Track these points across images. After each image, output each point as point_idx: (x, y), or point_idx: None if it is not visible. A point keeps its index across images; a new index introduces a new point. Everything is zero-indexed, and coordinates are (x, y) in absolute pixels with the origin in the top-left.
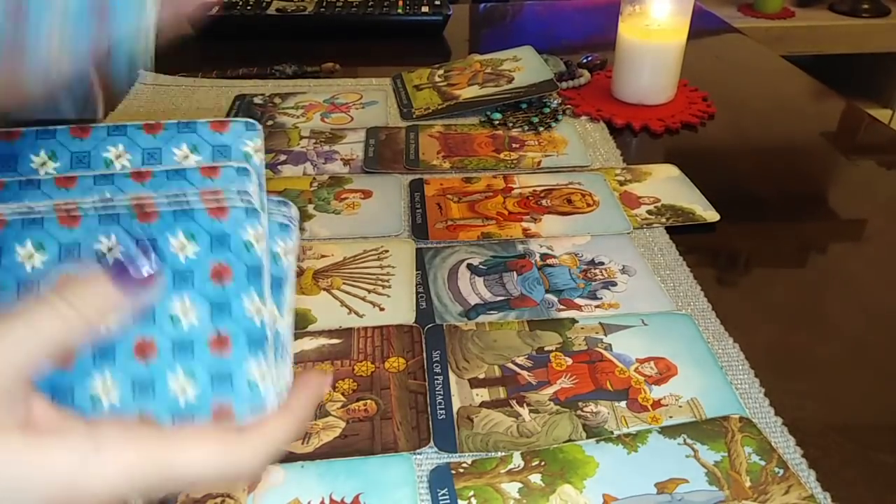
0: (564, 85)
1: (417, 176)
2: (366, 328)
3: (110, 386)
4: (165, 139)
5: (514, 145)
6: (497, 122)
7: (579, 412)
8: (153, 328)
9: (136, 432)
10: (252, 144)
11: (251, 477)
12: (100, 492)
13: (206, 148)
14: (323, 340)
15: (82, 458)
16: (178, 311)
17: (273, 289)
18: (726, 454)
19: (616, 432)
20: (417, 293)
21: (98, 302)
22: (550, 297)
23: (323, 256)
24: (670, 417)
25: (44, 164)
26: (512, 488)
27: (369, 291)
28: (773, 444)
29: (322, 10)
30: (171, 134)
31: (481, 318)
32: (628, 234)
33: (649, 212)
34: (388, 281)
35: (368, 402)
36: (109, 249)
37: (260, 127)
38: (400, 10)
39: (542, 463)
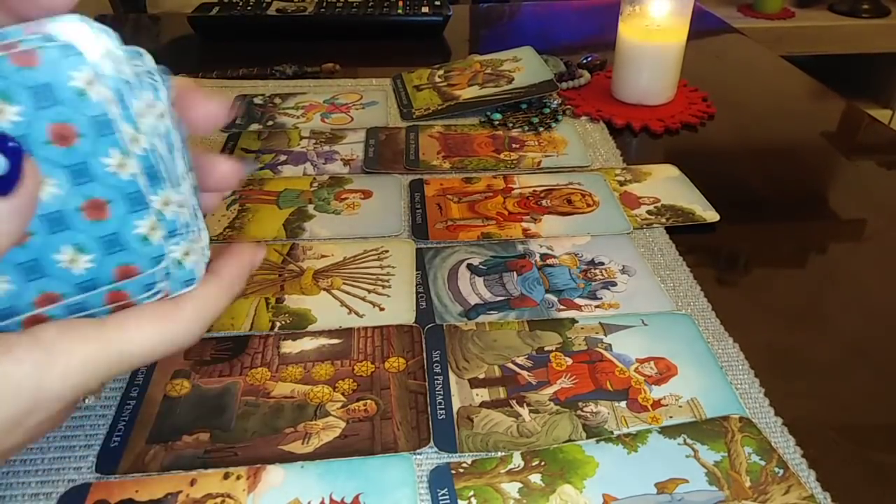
0: (564, 85)
1: (417, 176)
2: (366, 328)
3: (2, 280)
4: None
5: (514, 145)
6: (497, 122)
7: (579, 412)
8: None
9: (79, 330)
10: (82, 75)
11: (191, 344)
12: (63, 392)
13: (22, 93)
14: (323, 340)
15: (38, 366)
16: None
17: (102, 130)
18: (726, 454)
19: (616, 432)
20: (417, 293)
21: None
22: (550, 297)
23: (323, 256)
24: (670, 417)
25: None
26: (512, 488)
27: (369, 291)
28: (773, 444)
29: (322, 10)
30: None
31: (481, 318)
32: (628, 234)
33: (649, 212)
34: (388, 281)
35: (368, 402)
36: None
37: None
38: (400, 11)
39: (542, 463)
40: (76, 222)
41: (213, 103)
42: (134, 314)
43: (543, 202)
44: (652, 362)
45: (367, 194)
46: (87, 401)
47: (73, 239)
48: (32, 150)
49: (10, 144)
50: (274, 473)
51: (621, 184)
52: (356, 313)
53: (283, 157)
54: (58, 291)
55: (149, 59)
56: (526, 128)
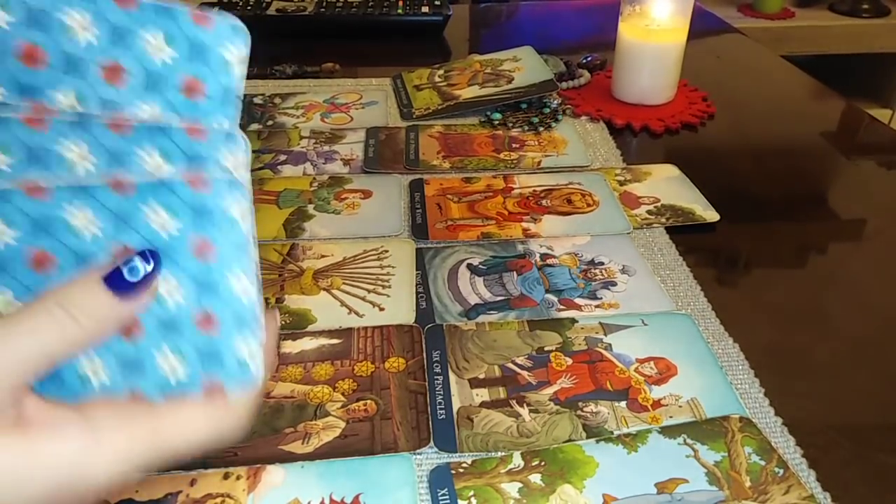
0: (564, 85)
1: (417, 176)
2: (366, 328)
3: (98, 366)
4: (139, 19)
5: (514, 145)
6: (497, 122)
7: (579, 412)
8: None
9: (129, 415)
10: (236, 52)
11: (238, 438)
12: (101, 480)
13: (187, 211)
14: (323, 340)
15: (81, 450)
16: (163, 291)
17: (239, 253)
18: (726, 454)
19: (616, 432)
20: (417, 293)
21: (97, 312)
22: (550, 297)
23: (323, 256)
24: (670, 417)
25: None
26: (512, 488)
27: (369, 291)
28: (773, 444)
29: (322, 10)
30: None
31: (481, 318)
32: (628, 234)
33: (649, 212)
34: (388, 281)
35: (368, 402)
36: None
37: (247, 35)
38: (400, 11)
39: (542, 463)
40: (186, 330)
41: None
42: (187, 404)
43: (543, 202)
44: (652, 362)
45: (367, 194)
46: None
47: (178, 346)
48: (178, 258)
49: (157, 257)
50: (274, 473)
51: (621, 184)
52: (356, 313)
53: (282, 157)
54: (146, 395)
55: (244, 55)
56: (526, 128)
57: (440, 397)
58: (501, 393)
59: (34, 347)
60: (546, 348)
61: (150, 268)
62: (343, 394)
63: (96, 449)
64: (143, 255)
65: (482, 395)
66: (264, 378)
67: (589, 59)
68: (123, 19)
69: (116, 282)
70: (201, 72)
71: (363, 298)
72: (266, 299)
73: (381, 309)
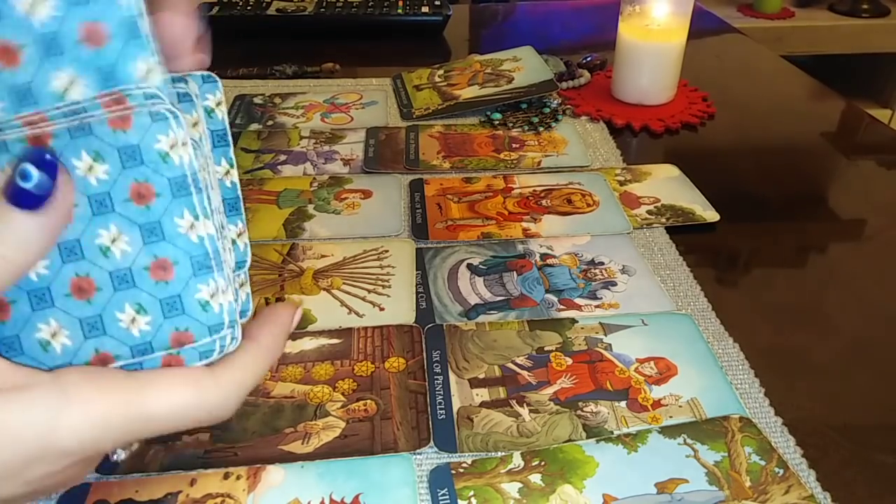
0: (564, 85)
1: (417, 176)
2: (366, 328)
3: (56, 329)
4: (59, 151)
5: (514, 145)
6: (497, 122)
7: (579, 412)
8: (85, 264)
9: (105, 380)
10: (165, 140)
11: (223, 418)
12: (72, 445)
13: (111, 153)
14: (323, 340)
15: (51, 413)
16: (107, 241)
17: (177, 192)
18: (726, 454)
19: (616, 432)
20: (417, 293)
21: (20, 235)
22: (550, 297)
23: (323, 256)
24: (670, 417)
25: None
26: (512, 488)
27: (369, 291)
28: (773, 444)
29: (322, 10)
30: (64, 143)
31: (481, 318)
32: (628, 234)
33: (649, 212)
34: (388, 281)
35: (368, 402)
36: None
37: (185, 100)
38: (400, 10)
39: (542, 463)
40: (142, 281)
41: (180, 18)
42: (167, 375)
43: (543, 202)
44: (652, 362)
45: (367, 194)
46: (115, 456)
47: (137, 298)
48: (115, 207)
49: (47, 157)
50: (274, 473)
51: (621, 184)
52: (356, 313)
53: (282, 157)
54: (113, 353)
55: (192, 84)
56: (526, 127)
57: (440, 397)
58: (501, 393)
59: None
60: (546, 348)
61: (40, 170)
62: (343, 394)
63: (66, 413)
64: (34, 160)
65: (482, 395)
66: (262, 355)
67: (589, 59)
68: None
69: (22, 196)
70: (142, 173)
71: (363, 298)
72: (266, 299)
73: (381, 309)
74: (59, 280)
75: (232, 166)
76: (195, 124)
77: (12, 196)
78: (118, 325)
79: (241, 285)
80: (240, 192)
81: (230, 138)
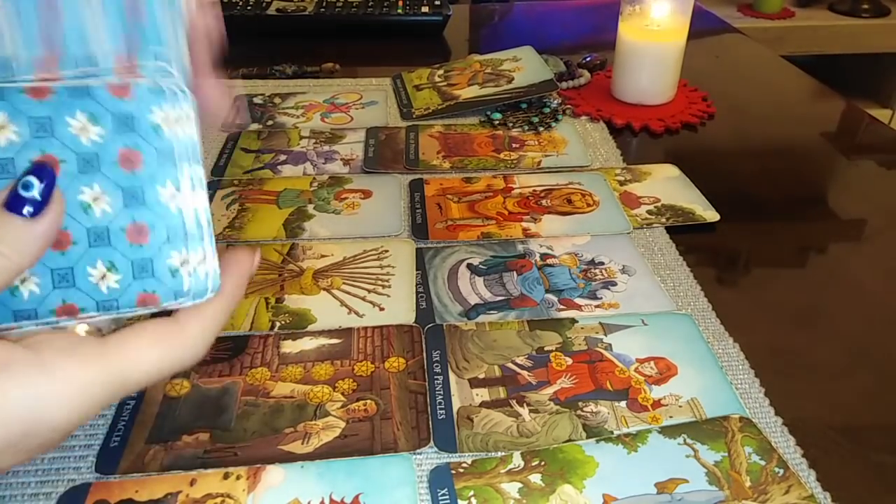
0: (564, 85)
1: (417, 176)
2: (366, 328)
3: (27, 276)
4: (55, 106)
5: (514, 145)
6: (497, 122)
7: (579, 412)
8: (65, 218)
9: (78, 350)
10: (161, 113)
11: (195, 364)
12: (62, 420)
13: (107, 118)
14: (323, 340)
15: (37, 391)
16: (89, 199)
17: (164, 163)
18: (726, 454)
19: (616, 432)
20: (417, 293)
21: (12, 238)
22: (550, 296)
23: (323, 256)
24: (670, 417)
25: None
26: (512, 488)
27: (369, 291)
28: (773, 444)
29: (322, 10)
30: (62, 100)
31: (481, 318)
32: (628, 234)
33: (649, 212)
34: (388, 281)
35: (368, 402)
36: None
37: (180, 95)
38: (400, 10)
39: (542, 463)
40: (117, 241)
41: (218, 88)
42: (135, 334)
43: (543, 202)
44: (652, 362)
45: (367, 194)
46: None
47: (110, 256)
48: (101, 168)
49: (49, 170)
50: (274, 473)
51: (621, 183)
52: (356, 313)
53: (282, 157)
54: (79, 304)
55: (177, 78)
56: (526, 127)
57: (440, 397)
58: (501, 393)
59: None
60: (546, 348)
61: (41, 181)
62: (343, 394)
63: (51, 388)
64: (35, 171)
65: (482, 394)
66: (224, 300)
67: (589, 59)
68: (41, 109)
69: (19, 204)
70: (133, 141)
71: (363, 298)
72: (266, 299)
73: (381, 309)
74: None
75: (179, 189)
76: (188, 120)
77: (12, 205)
78: (88, 279)
79: (195, 269)
80: (188, 222)
81: (177, 160)
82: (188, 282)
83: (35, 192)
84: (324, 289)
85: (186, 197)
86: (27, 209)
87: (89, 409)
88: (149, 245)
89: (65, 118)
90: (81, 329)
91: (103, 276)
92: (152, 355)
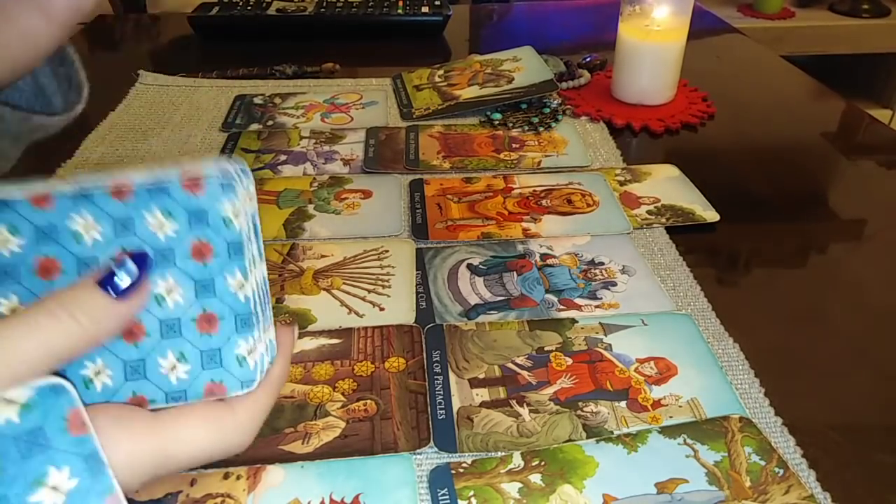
0: (564, 85)
1: (417, 176)
2: (366, 328)
3: (101, 368)
4: (135, 205)
5: (514, 145)
6: (497, 122)
7: (579, 412)
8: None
9: (132, 425)
10: (230, 207)
11: (243, 449)
12: None
13: (181, 213)
14: (323, 340)
15: None
16: (163, 291)
17: (233, 254)
18: (726, 454)
19: (616, 432)
20: (417, 293)
21: (95, 312)
22: (550, 297)
23: (323, 256)
24: (670, 417)
25: (6, 241)
26: (512, 488)
27: (369, 291)
28: (773, 444)
29: (322, 10)
30: (140, 199)
31: (481, 318)
32: (628, 234)
33: (649, 212)
34: (388, 281)
35: (368, 402)
36: (87, 230)
37: (243, 176)
38: (400, 11)
39: (542, 463)
40: (188, 332)
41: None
42: (186, 413)
43: (543, 202)
44: (652, 362)
45: (367, 194)
46: None
47: (181, 347)
48: (176, 262)
49: (149, 259)
50: (274, 473)
51: (621, 184)
52: (356, 313)
53: (283, 157)
54: (149, 397)
55: (232, 167)
56: (526, 128)
57: (440, 397)
58: (501, 393)
59: (37, 347)
60: (546, 348)
61: (137, 270)
62: (343, 394)
63: None
64: (134, 257)
65: (482, 395)
66: (273, 385)
67: (589, 59)
68: (122, 209)
69: (110, 284)
70: (205, 234)
71: (363, 298)
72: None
73: (382, 309)
74: None
75: (246, 279)
76: (251, 199)
77: (105, 284)
78: (159, 370)
79: (250, 353)
80: (255, 308)
81: (245, 250)
82: (255, 370)
83: (128, 278)
84: (324, 289)
85: (252, 281)
86: (115, 290)
87: (132, 479)
88: (218, 335)
89: (143, 215)
90: None
91: (173, 367)
92: (199, 435)
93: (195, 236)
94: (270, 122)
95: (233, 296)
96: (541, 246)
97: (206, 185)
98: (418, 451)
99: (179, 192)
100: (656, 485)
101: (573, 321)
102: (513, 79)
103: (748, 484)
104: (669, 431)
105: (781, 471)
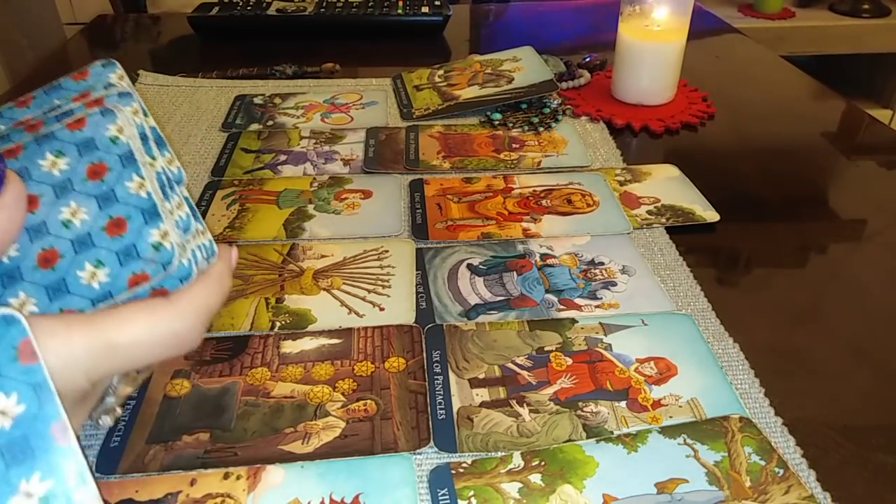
0: (564, 85)
1: (417, 176)
2: (366, 328)
3: (24, 301)
4: (28, 156)
5: (514, 145)
6: (497, 122)
7: (579, 412)
8: (49, 238)
9: (63, 315)
10: (114, 127)
11: (192, 345)
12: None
13: (71, 149)
14: (323, 340)
15: None
16: (68, 216)
17: (126, 163)
18: (726, 454)
19: (616, 432)
20: (417, 293)
21: None
22: (550, 297)
23: (323, 256)
24: (670, 417)
25: None
26: (512, 488)
27: (369, 291)
28: (773, 444)
29: (322, 10)
30: (32, 150)
31: (481, 318)
32: (628, 234)
33: (649, 212)
34: (388, 281)
35: (368, 402)
36: None
37: (121, 101)
38: (400, 11)
39: (542, 463)
40: (100, 240)
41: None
42: (126, 307)
43: (543, 202)
44: (652, 362)
45: (367, 194)
46: (101, 421)
47: (96, 255)
48: (74, 187)
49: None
50: (274, 473)
51: (621, 184)
52: (356, 313)
53: (283, 157)
54: (77, 308)
55: (121, 73)
56: (526, 128)
57: (440, 397)
58: (501, 393)
59: None
60: (546, 348)
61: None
62: (343, 394)
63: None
64: None
65: (482, 395)
66: (212, 280)
67: (589, 59)
68: (16, 164)
69: None
70: (96, 156)
71: (363, 298)
72: (266, 299)
73: (382, 309)
74: (27, 258)
75: (144, 178)
76: (135, 113)
77: None
78: (80, 282)
79: (203, 233)
80: (158, 198)
81: (136, 155)
82: (189, 265)
83: None
84: (324, 289)
85: (150, 176)
86: None
87: (73, 374)
88: (129, 233)
89: (37, 161)
90: None
91: (93, 275)
92: (140, 325)
93: (88, 161)
94: (270, 122)
95: (135, 196)
96: (541, 246)
97: (88, 121)
98: (418, 451)
99: (65, 133)
100: (656, 485)
101: (573, 321)
102: (513, 79)
103: (748, 484)
104: (669, 431)
105: (781, 471)
